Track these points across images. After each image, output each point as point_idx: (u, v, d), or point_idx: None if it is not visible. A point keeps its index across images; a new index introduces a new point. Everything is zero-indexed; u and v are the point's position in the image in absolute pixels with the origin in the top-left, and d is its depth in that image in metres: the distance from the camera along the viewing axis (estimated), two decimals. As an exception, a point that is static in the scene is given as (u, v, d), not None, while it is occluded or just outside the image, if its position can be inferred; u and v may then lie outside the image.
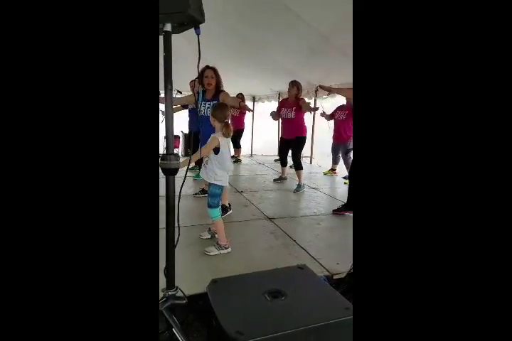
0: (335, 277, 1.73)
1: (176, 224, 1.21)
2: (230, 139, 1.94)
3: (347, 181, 4.72)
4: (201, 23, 1.12)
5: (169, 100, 1.12)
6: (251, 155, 7.40)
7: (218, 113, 1.86)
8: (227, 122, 1.88)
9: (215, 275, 1.51)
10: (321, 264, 1.84)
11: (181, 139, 6.35)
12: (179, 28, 1.13)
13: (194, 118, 3.91)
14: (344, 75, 4.39)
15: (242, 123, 5.72)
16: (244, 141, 7.03)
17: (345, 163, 4.34)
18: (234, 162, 5.73)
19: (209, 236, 2.18)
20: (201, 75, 2.55)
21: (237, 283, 1.43)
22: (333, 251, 2.02)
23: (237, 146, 5.84)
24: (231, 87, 5.92)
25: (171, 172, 1.14)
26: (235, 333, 1.07)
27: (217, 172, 1.90)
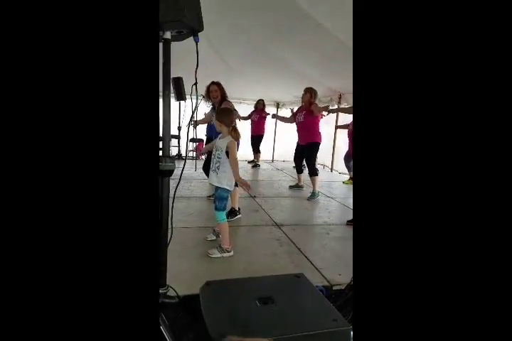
0: (334, 288, 1.69)
1: (169, 225, 1.24)
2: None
3: (346, 181, 4.64)
4: (199, 31, 1.17)
5: (168, 103, 1.17)
6: (272, 160, 7.41)
7: (224, 117, 1.91)
8: (234, 126, 1.92)
9: (214, 277, 1.53)
10: (322, 274, 1.81)
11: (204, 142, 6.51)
12: (179, 36, 1.18)
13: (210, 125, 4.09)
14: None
15: (263, 129, 5.76)
16: (266, 146, 7.08)
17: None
18: (253, 167, 5.77)
19: (214, 238, 2.21)
20: (207, 91, 3.00)
21: (230, 287, 1.44)
22: (337, 262, 1.98)
23: (256, 151, 5.88)
24: (252, 93, 6.03)
25: (165, 174, 1.18)
26: (218, 335, 1.08)
27: (229, 176, 1.94)
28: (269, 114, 5.64)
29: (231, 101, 3.05)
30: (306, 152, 3.69)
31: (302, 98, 3.72)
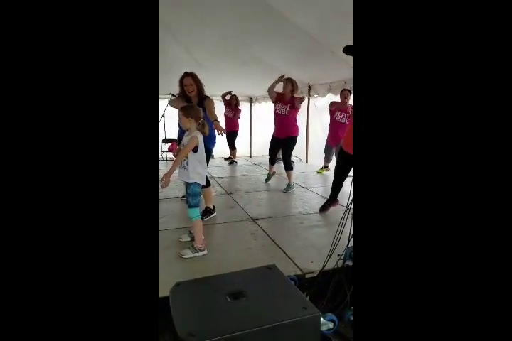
0: (307, 276, 1.71)
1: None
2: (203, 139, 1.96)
3: (320, 170, 4.73)
4: None
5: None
6: (250, 156, 7.41)
7: (193, 112, 1.87)
8: (203, 121, 1.89)
9: (188, 277, 1.51)
10: (295, 264, 1.83)
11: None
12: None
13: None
14: (334, 74, 4.38)
15: (236, 125, 5.73)
16: (243, 142, 7.06)
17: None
18: (229, 163, 5.75)
19: (189, 239, 2.18)
20: (181, 83, 2.53)
21: (200, 286, 1.43)
22: (309, 250, 2.01)
23: (232, 148, 5.84)
24: (225, 88, 5.97)
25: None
26: (186, 335, 1.07)
27: (201, 171, 1.93)
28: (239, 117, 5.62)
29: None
30: (284, 146, 3.64)
31: (284, 89, 3.59)
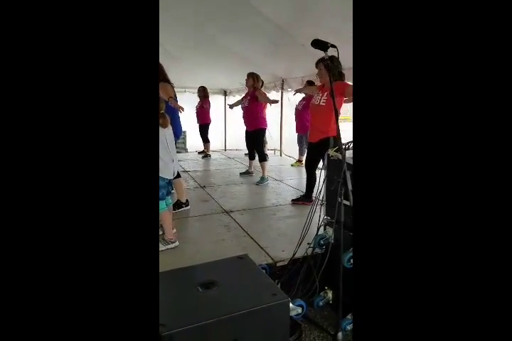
0: (278, 264, 1.76)
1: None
2: (170, 131, 1.95)
3: (294, 163, 4.82)
4: None
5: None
6: (225, 149, 7.37)
7: None
8: (162, 113, 1.88)
9: (161, 269, 1.50)
10: (267, 253, 1.87)
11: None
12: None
13: None
14: (306, 68, 4.43)
15: (208, 117, 5.65)
16: (217, 135, 7.00)
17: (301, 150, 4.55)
18: (203, 157, 5.69)
19: (161, 233, 2.16)
20: None
21: (172, 277, 1.42)
22: (281, 240, 2.05)
23: (205, 141, 5.78)
24: (196, 82, 5.87)
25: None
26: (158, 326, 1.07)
27: (162, 164, 1.88)
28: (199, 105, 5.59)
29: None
30: (253, 138, 3.75)
31: (246, 84, 3.76)
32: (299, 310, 1.38)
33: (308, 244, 1.60)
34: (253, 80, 3.65)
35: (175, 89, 2.62)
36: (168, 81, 2.50)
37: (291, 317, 1.32)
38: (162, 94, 2.30)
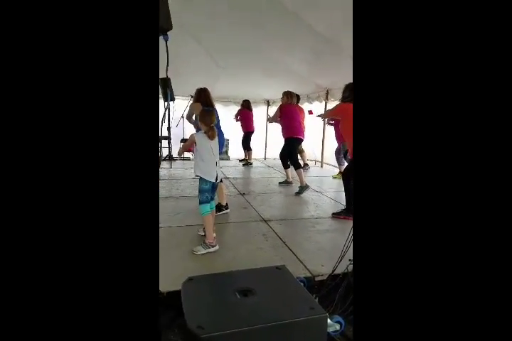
0: (317, 279, 1.72)
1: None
2: (216, 141, 2.11)
3: (336, 175, 4.71)
4: (168, 30, 1.19)
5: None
6: (264, 158, 7.44)
7: (205, 118, 2.07)
8: (212, 127, 2.05)
9: (199, 273, 1.55)
10: (305, 266, 1.84)
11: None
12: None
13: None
14: (350, 78, 4.36)
15: (251, 126, 5.78)
16: (258, 144, 7.11)
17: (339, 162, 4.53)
18: (244, 165, 5.80)
19: (203, 233, 2.25)
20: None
21: (211, 281, 1.47)
22: (320, 254, 2.01)
23: (247, 149, 5.89)
24: (240, 91, 6.04)
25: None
26: (195, 327, 1.11)
27: (200, 165, 2.07)
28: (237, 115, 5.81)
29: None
30: (284, 147, 3.89)
31: (281, 101, 4.12)
32: (337, 326, 1.34)
33: (349, 260, 1.55)
34: (286, 98, 3.94)
35: (221, 100, 2.87)
36: (212, 105, 2.75)
37: (328, 333, 1.29)
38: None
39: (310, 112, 4.70)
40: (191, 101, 3.21)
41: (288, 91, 4.02)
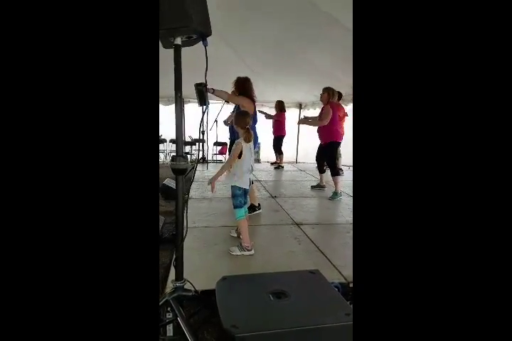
0: (351, 285, 1.67)
1: (185, 221, 1.31)
2: (251, 144, 2.07)
3: None
4: (208, 35, 1.23)
5: (179, 106, 1.24)
6: (296, 161, 7.39)
7: (239, 120, 2.01)
8: (248, 128, 2.00)
9: (232, 273, 1.58)
10: (339, 271, 1.80)
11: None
12: (189, 41, 1.26)
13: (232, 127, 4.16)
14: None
15: (283, 129, 5.77)
16: (289, 148, 7.08)
17: None
18: (275, 168, 5.80)
19: (235, 235, 2.28)
20: None
21: (245, 282, 1.48)
22: (355, 260, 1.96)
23: (278, 152, 5.89)
24: (273, 95, 6.06)
25: (179, 172, 1.25)
26: (230, 326, 1.12)
27: (238, 174, 2.03)
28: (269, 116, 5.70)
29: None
30: (326, 152, 3.68)
31: (320, 98, 3.74)
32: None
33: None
34: (328, 95, 3.60)
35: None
36: (251, 98, 2.67)
37: None
38: (248, 109, 2.48)
39: (345, 114, 4.52)
40: (225, 104, 3.23)
41: (329, 88, 3.63)
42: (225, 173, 2.10)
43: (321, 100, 3.75)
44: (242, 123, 2.00)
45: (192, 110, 5.72)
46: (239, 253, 2.01)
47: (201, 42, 1.25)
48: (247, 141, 1.99)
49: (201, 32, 1.19)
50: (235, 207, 2.07)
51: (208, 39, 1.25)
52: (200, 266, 1.81)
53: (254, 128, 2.68)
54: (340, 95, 4.14)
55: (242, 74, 2.86)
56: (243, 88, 2.72)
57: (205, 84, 1.48)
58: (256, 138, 2.79)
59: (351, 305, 1.43)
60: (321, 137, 3.72)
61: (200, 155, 5.80)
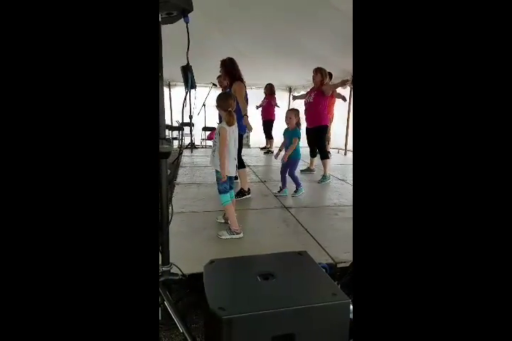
0: (339, 266, 1.70)
1: (169, 205, 1.28)
2: (235, 127, 1.99)
3: None
4: (189, 11, 1.16)
5: (161, 87, 1.19)
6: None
7: (221, 102, 1.92)
8: (230, 111, 1.91)
9: (220, 256, 1.57)
10: (327, 252, 1.82)
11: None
12: (170, 18, 1.18)
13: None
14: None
15: (273, 114, 5.69)
16: (279, 132, 7.02)
17: None
18: (265, 153, 5.76)
19: (223, 221, 2.27)
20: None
21: (232, 264, 1.48)
22: (343, 241, 1.98)
23: (268, 137, 5.84)
24: (262, 78, 5.95)
25: (162, 156, 1.21)
26: (217, 309, 1.13)
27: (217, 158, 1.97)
28: (277, 105, 5.55)
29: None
30: (315, 136, 3.65)
31: (313, 79, 3.63)
32: (360, 313, 1.32)
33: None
34: (321, 75, 3.52)
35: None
36: (241, 79, 2.59)
37: (351, 319, 1.27)
38: (236, 94, 2.40)
39: (344, 99, 4.35)
40: (212, 88, 3.13)
41: (321, 68, 3.52)
42: (210, 156, 2.05)
43: (313, 82, 3.64)
44: (224, 106, 1.90)
45: (181, 94, 5.57)
46: (228, 236, 2.01)
47: (182, 19, 1.18)
48: (230, 124, 1.90)
49: (182, 7, 1.12)
50: (220, 192, 2.04)
51: (195, 20, 1.18)
52: (188, 250, 1.80)
53: (240, 114, 2.60)
54: (330, 75, 4.06)
55: (230, 55, 2.76)
56: (234, 69, 2.64)
57: (189, 65, 1.41)
58: (242, 124, 2.71)
59: (339, 285, 1.46)
60: (309, 120, 3.67)
61: (189, 141, 5.71)
